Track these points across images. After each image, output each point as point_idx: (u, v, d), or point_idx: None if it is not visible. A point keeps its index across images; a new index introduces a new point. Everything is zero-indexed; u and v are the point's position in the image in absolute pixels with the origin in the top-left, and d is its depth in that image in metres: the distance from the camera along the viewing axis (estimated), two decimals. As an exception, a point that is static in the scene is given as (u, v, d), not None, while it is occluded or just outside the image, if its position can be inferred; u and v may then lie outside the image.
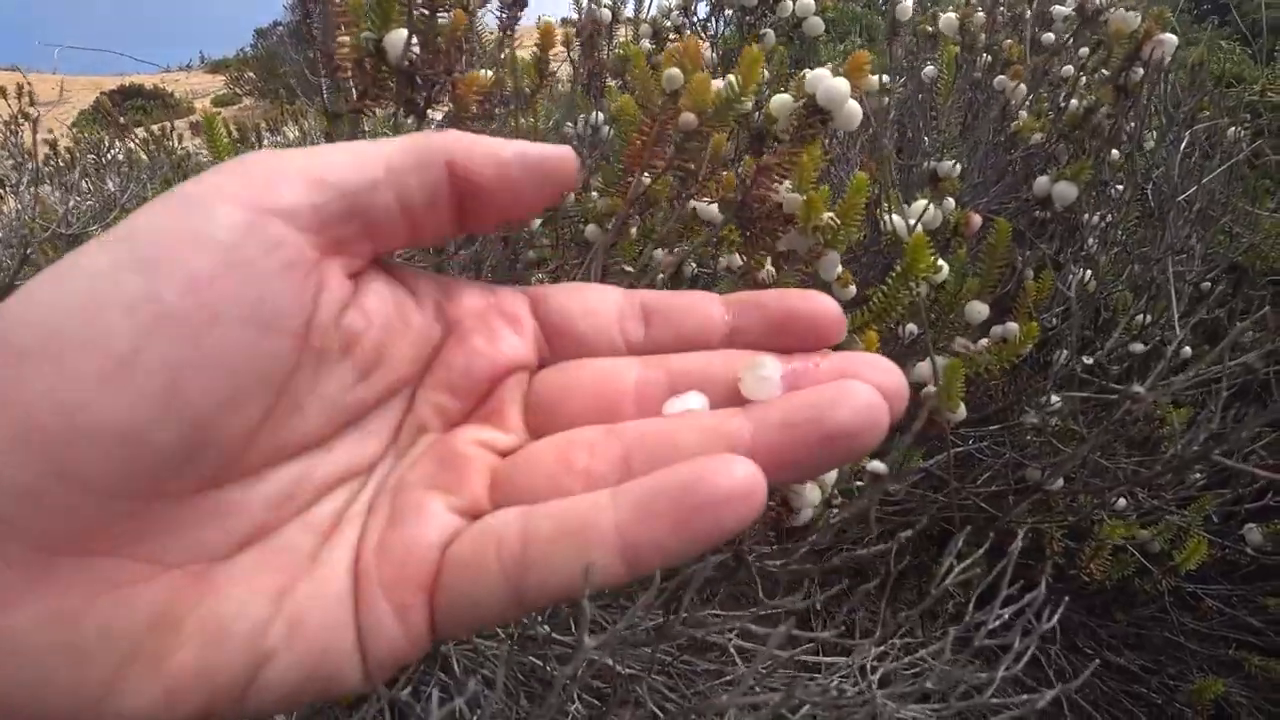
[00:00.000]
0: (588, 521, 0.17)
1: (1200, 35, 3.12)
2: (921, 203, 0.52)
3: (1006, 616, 0.37)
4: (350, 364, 0.19)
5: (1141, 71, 0.58)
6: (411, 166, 0.19)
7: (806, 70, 0.40)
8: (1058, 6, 0.97)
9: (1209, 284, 0.96)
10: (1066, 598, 0.48)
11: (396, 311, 0.20)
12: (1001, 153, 0.64)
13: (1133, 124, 0.62)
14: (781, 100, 0.41)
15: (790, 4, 0.64)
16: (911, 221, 0.52)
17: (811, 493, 0.37)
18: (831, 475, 0.39)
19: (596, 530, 0.16)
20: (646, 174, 0.47)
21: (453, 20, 0.45)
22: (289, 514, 0.18)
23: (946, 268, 0.51)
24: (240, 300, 0.16)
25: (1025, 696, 0.37)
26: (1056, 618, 0.37)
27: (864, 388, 0.17)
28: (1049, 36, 0.89)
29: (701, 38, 0.75)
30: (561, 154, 0.20)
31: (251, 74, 7.70)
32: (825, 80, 0.39)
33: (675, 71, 0.42)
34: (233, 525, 0.17)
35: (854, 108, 0.39)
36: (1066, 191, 0.58)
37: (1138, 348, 0.75)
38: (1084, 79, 0.63)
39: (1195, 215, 0.83)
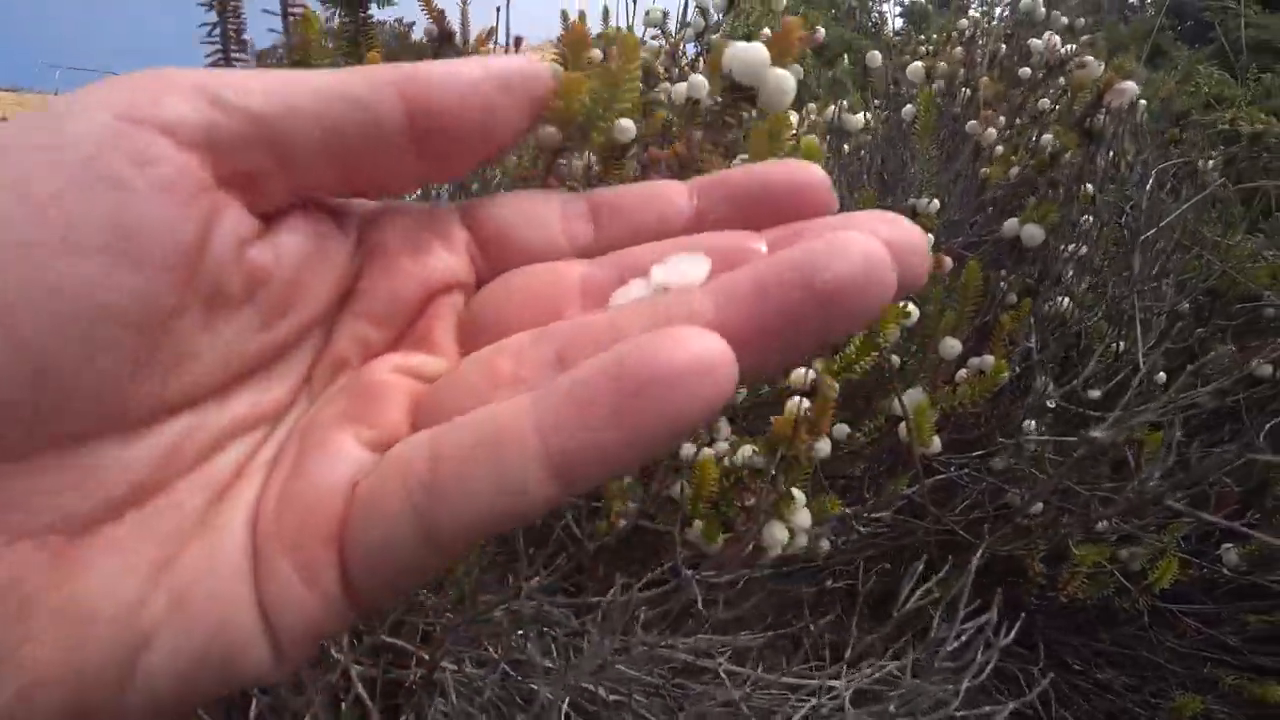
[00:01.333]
0: (504, 428, 0.13)
1: (1180, 54, 3.18)
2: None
3: (967, 635, 0.40)
4: (255, 307, 0.16)
5: (1105, 117, 0.61)
6: (348, 95, 0.16)
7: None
8: (1035, 40, 1.01)
9: (1187, 306, 0.99)
10: (1022, 615, 0.50)
11: (316, 245, 0.17)
12: (974, 194, 0.67)
13: (1101, 163, 0.65)
14: (695, 81, 0.36)
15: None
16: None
17: (779, 531, 0.39)
18: (805, 517, 0.41)
19: (515, 435, 0.13)
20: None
21: None
22: (175, 473, 0.15)
23: (916, 312, 0.54)
24: (96, 224, 0.13)
25: (987, 708, 0.40)
26: (1013, 634, 0.40)
27: (862, 237, 0.14)
28: (1025, 71, 0.93)
29: (682, 69, 0.79)
30: (533, 64, 0.18)
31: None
32: (739, 51, 0.32)
33: (553, 66, 0.36)
34: (99, 489, 0.14)
35: (781, 79, 0.32)
36: (1034, 233, 0.61)
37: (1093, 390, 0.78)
38: (1053, 119, 0.66)
39: (1170, 246, 0.87)
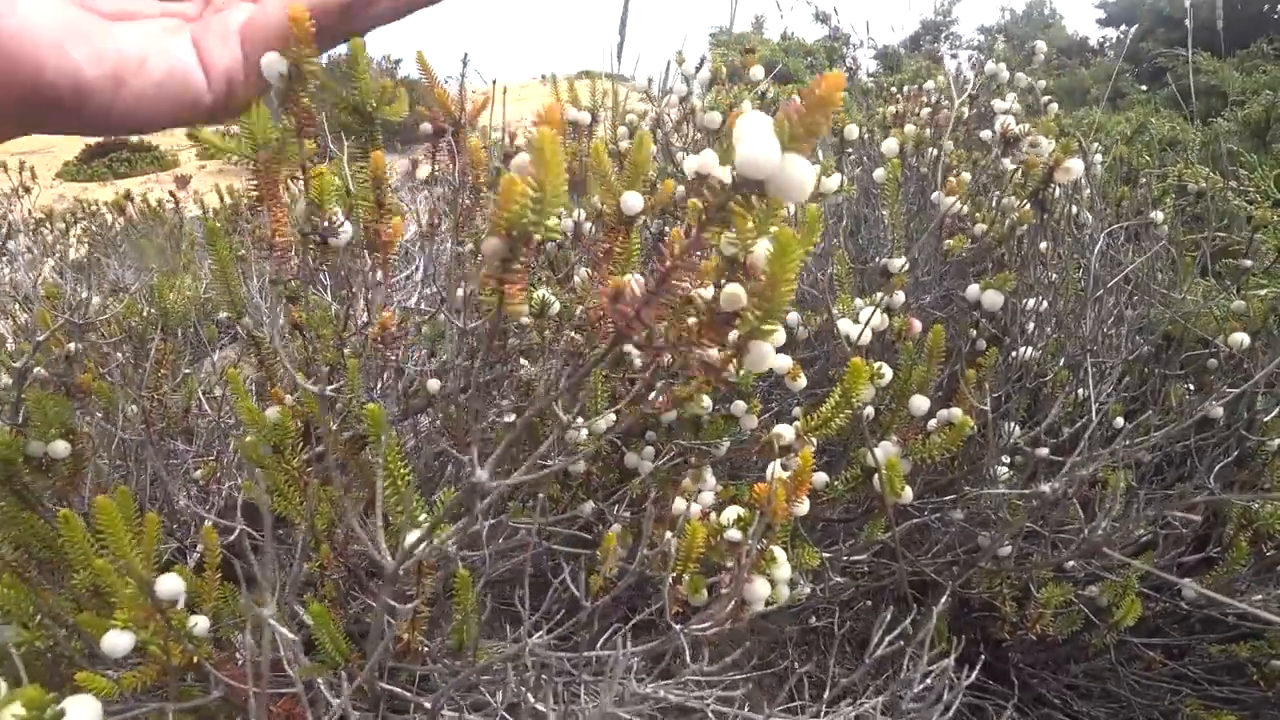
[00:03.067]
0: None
1: (1138, 95, 3.35)
2: (869, 310, 0.60)
3: (932, 677, 0.43)
4: None
5: (1056, 190, 0.67)
6: None
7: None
8: (998, 101, 1.08)
9: (1147, 349, 1.05)
10: (983, 656, 0.54)
11: None
12: (940, 256, 0.73)
13: (1050, 240, 0.71)
14: (707, 160, 0.34)
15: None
16: (859, 327, 0.60)
17: (762, 587, 0.43)
18: (785, 570, 0.45)
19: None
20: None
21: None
22: (150, 31, 0.33)
23: (890, 373, 0.59)
24: None
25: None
26: (975, 674, 0.43)
27: None
28: (987, 133, 0.99)
29: (674, 146, 0.84)
30: None
31: (237, 129, 7.81)
32: (744, 142, 0.25)
33: (520, 159, 0.36)
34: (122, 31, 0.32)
35: (796, 171, 0.25)
36: (994, 299, 0.66)
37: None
38: (1010, 188, 0.72)
39: (1123, 298, 0.93)
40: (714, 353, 0.29)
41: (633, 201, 0.37)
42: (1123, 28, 4.98)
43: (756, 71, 0.75)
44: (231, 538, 0.82)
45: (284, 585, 0.68)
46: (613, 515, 0.78)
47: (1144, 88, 3.46)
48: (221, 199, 2.15)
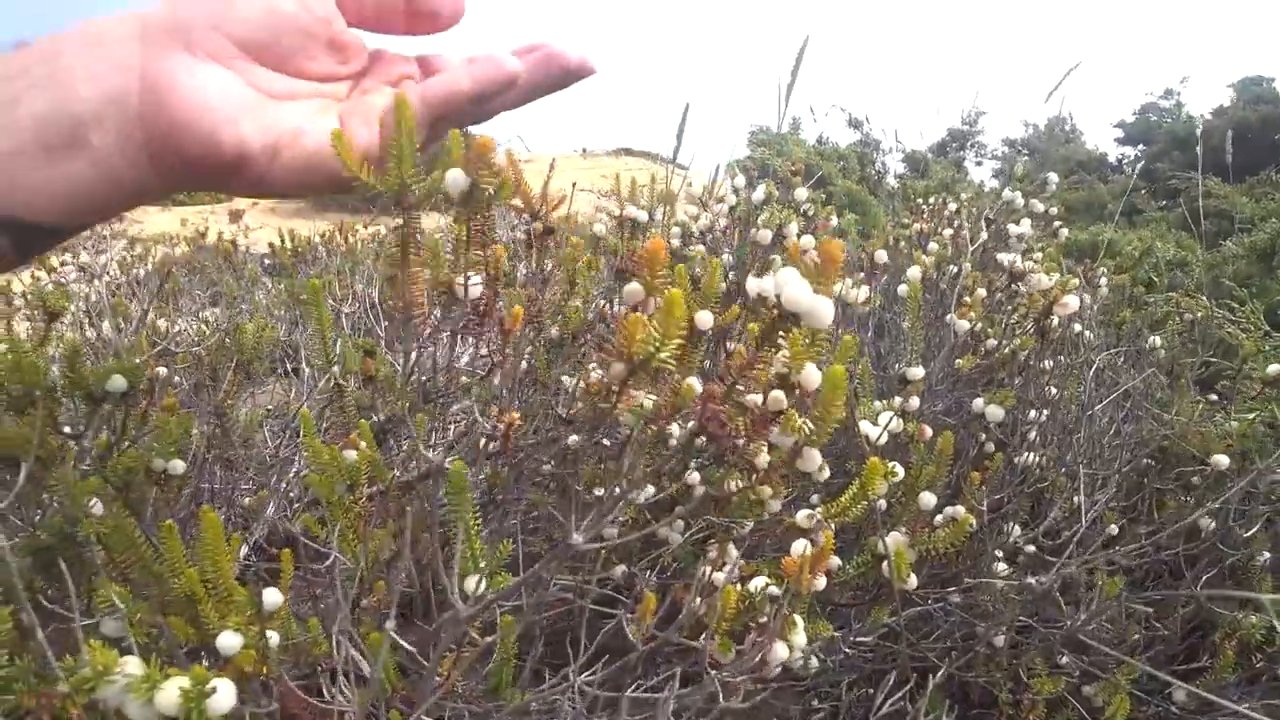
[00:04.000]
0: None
1: (1155, 215, 3.50)
2: (887, 413, 0.69)
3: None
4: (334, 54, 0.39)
5: (1056, 321, 0.77)
6: None
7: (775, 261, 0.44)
8: (1012, 227, 1.19)
9: (1145, 463, 1.12)
10: None
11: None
12: (952, 371, 0.82)
13: (1051, 362, 0.81)
14: (766, 284, 0.41)
15: (795, 239, 0.83)
16: (878, 430, 0.69)
17: (782, 649, 0.51)
18: (802, 638, 0.53)
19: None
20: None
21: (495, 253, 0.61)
22: (307, 109, 0.38)
23: (902, 471, 0.68)
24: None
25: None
26: None
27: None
28: (1003, 256, 1.10)
29: (716, 252, 0.95)
30: None
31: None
32: (790, 290, 0.37)
33: (634, 287, 0.47)
34: (286, 86, 0.37)
35: (822, 309, 0.38)
36: (995, 413, 0.75)
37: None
38: (1016, 316, 0.82)
39: (1120, 414, 1.01)
40: (770, 447, 0.39)
41: (705, 319, 0.47)
42: (1139, 147, 5.23)
43: (801, 193, 0.87)
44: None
45: (352, 611, 0.76)
46: (643, 579, 0.85)
47: (1161, 204, 3.61)
48: (282, 239, 2.31)
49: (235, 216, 5.77)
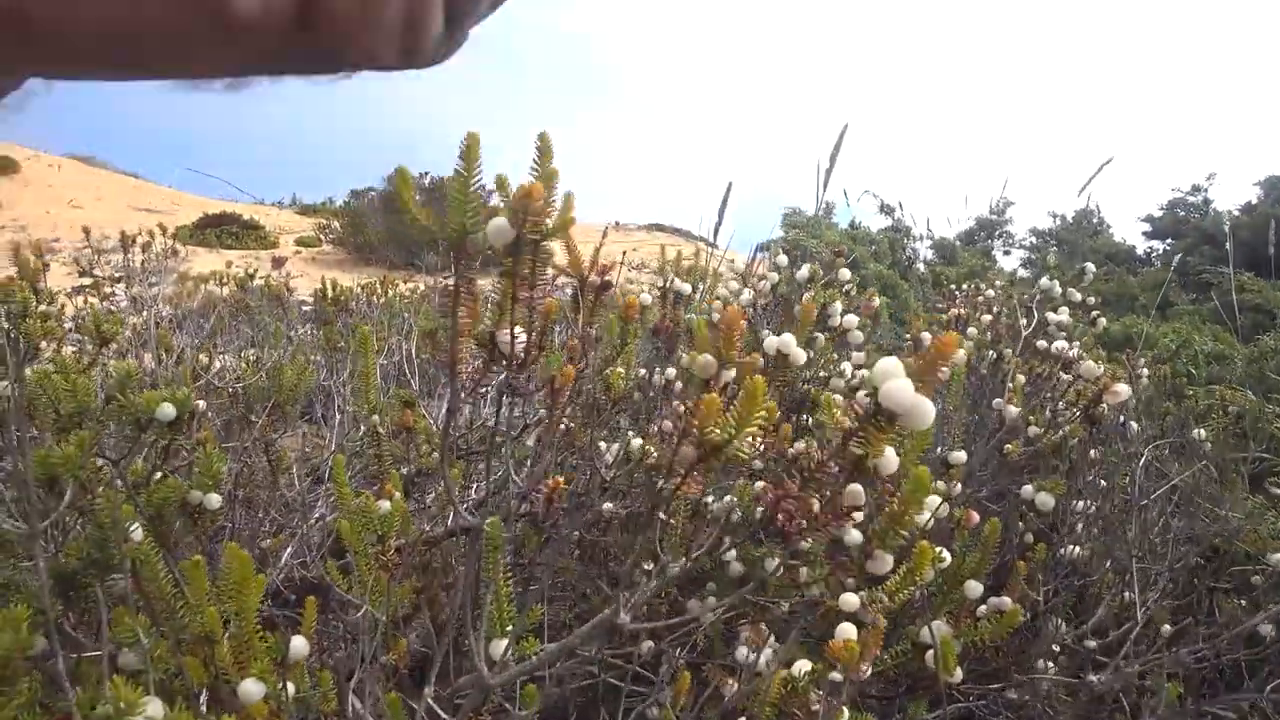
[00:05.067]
0: None
1: (1188, 308, 3.48)
2: (935, 499, 0.68)
3: None
4: None
5: (1105, 408, 0.75)
6: None
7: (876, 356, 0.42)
8: (1051, 314, 1.19)
9: (1195, 561, 1.08)
10: None
11: None
12: (998, 455, 0.81)
13: (1099, 449, 0.79)
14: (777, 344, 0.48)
15: (839, 318, 0.84)
16: (926, 515, 0.67)
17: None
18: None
19: None
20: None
21: (546, 307, 0.61)
22: None
23: (949, 556, 0.65)
24: None
25: None
26: None
27: None
28: (1043, 344, 1.10)
29: (762, 327, 0.96)
30: None
31: (338, 224, 8.68)
32: (892, 388, 0.34)
33: (707, 359, 0.45)
34: None
35: (924, 411, 0.35)
36: (1046, 500, 0.73)
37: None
38: (1064, 403, 0.81)
39: (1169, 508, 0.98)
40: (848, 537, 0.38)
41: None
42: (1168, 241, 5.25)
43: (844, 273, 0.89)
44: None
45: (370, 665, 0.74)
46: (670, 657, 0.82)
47: (1192, 297, 3.59)
48: (324, 288, 2.38)
49: (278, 263, 5.97)
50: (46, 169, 10.86)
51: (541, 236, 0.46)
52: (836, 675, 0.48)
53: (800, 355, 0.49)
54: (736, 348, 0.42)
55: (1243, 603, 1.03)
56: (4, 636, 0.46)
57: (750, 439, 0.36)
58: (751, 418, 0.35)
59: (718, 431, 0.35)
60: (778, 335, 1.03)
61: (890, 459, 0.43)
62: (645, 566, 0.68)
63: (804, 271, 0.85)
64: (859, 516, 0.40)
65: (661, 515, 0.64)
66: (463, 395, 0.48)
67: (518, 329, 0.45)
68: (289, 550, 1.32)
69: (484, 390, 0.65)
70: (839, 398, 0.63)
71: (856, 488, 0.41)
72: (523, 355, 0.48)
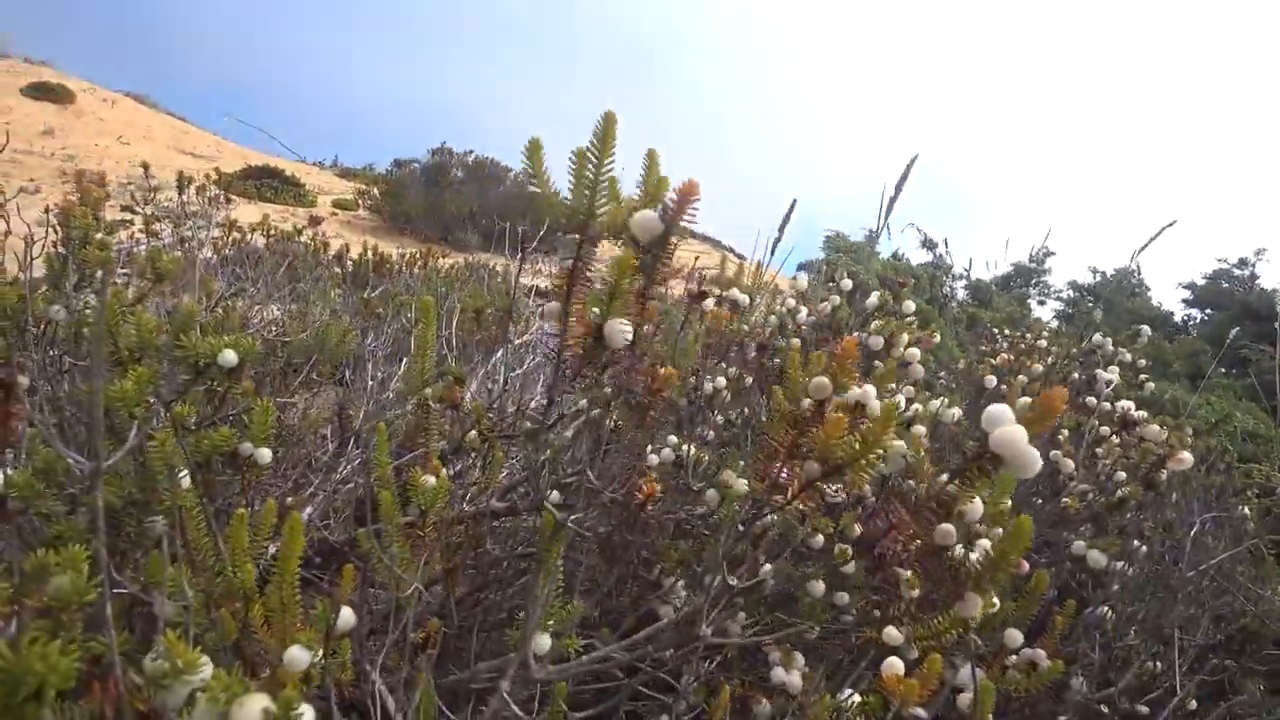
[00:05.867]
0: None
1: (1224, 382, 3.43)
2: (986, 542, 0.67)
3: None
4: None
5: (1166, 474, 0.74)
6: None
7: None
8: (1100, 372, 1.18)
9: (1221, 639, 1.06)
10: None
11: None
12: (1053, 510, 0.80)
13: (1156, 513, 0.78)
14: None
15: (901, 349, 0.83)
16: (976, 554, 0.67)
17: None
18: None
19: None
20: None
21: (648, 310, 0.61)
22: None
23: (998, 602, 0.65)
24: None
25: None
26: None
27: None
28: (1092, 400, 1.08)
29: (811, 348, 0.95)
30: None
31: (377, 191, 8.73)
32: (1002, 434, 0.34)
33: (823, 380, 0.46)
34: None
35: (1033, 459, 0.35)
36: (1097, 558, 0.72)
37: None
38: (1120, 465, 0.80)
39: (1208, 584, 0.96)
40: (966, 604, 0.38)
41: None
42: (1207, 311, 5.18)
43: (908, 305, 0.88)
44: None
45: (401, 647, 0.74)
46: (692, 667, 0.82)
47: (1231, 371, 3.54)
48: (365, 252, 2.40)
49: (314, 221, 6.02)
50: (100, 103, 11.02)
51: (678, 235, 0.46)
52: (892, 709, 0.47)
53: (877, 408, 0.48)
54: (853, 375, 0.42)
55: (1262, 688, 1.01)
56: (65, 579, 0.46)
57: (870, 462, 0.36)
58: (883, 439, 0.35)
59: (842, 451, 0.35)
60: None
61: (977, 506, 0.43)
62: (714, 578, 0.68)
63: (873, 299, 0.85)
64: (957, 552, 0.39)
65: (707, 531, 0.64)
66: (564, 382, 0.48)
67: (626, 322, 0.45)
68: (310, 510, 1.32)
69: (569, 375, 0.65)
70: (919, 429, 0.63)
71: (947, 528, 0.41)
72: (631, 348, 0.47)
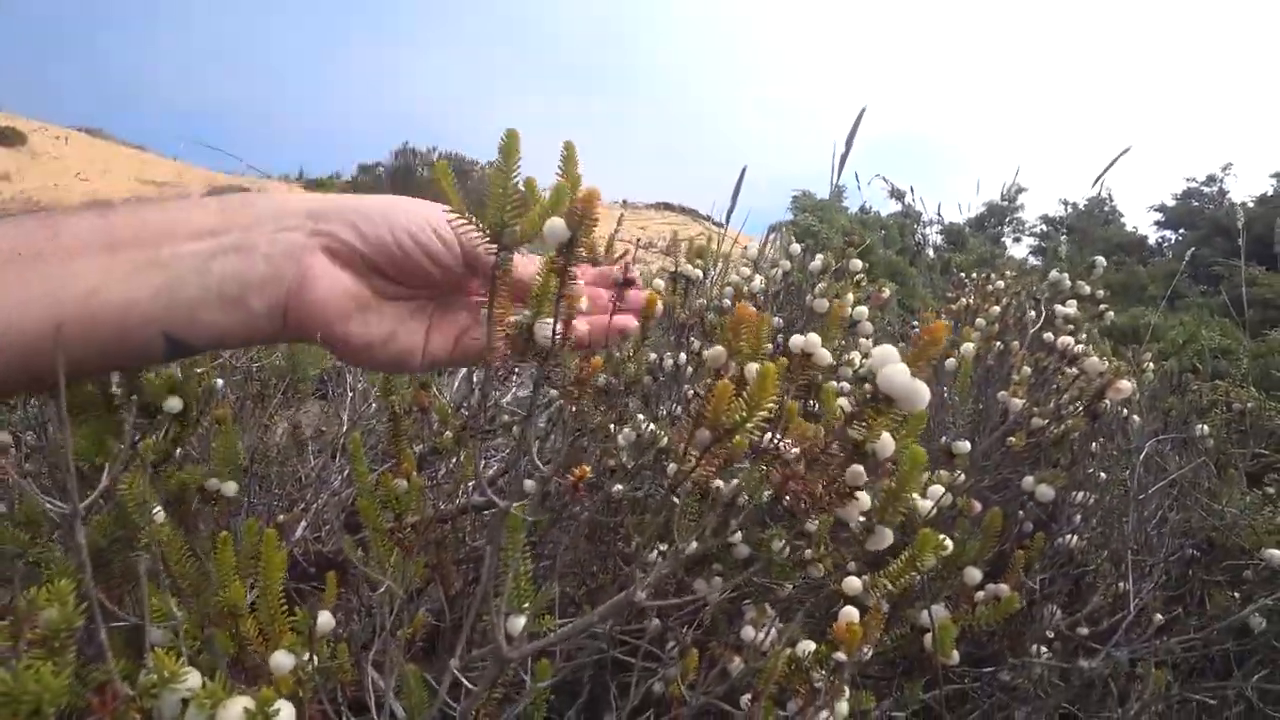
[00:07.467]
0: None
1: (1198, 300, 3.48)
2: (938, 488, 0.70)
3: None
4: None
5: (1108, 404, 0.77)
6: None
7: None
8: (1059, 307, 1.20)
9: (1189, 553, 1.10)
10: None
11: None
12: (1000, 447, 0.83)
13: (1101, 441, 0.81)
14: (801, 343, 0.50)
15: (849, 309, 0.85)
16: (928, 503, 0.69)
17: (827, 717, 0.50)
18: (844, 707, 0.53)
19: None
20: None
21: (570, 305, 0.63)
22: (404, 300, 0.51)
23: (951, 544, 0.67)
24: None
25: None
26: None
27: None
28: (1049, 336, 1.11)
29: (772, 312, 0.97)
30: None
31: (345, 200, 8.64)
32: (889, 373, 0.37)
33: (718, 350, 0.47)
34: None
35: (920, 393, 0.37)
36: (1045, 493, 0.75)
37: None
38: (1066, 397, 0.82)
39: (1167, 501, 1.00)
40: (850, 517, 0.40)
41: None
42: (1180, 231, 5.22)
43: (855, 264, 0.90)
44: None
45: (389, 637, 0.76)
46: (676, 634, 0.85)
47: (1202, 289, 3.58)
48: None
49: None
50: (54, 141, 10.85)
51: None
52: (840, 656, 0.50)
53: (826, 356, 0.51)
54: (756, 344, 0.44)
55: (1235, 595, 1.05)
56: (54, 612, 0.48)
57: (760, 423, 0.38)
58: (763, 403, 0.37)
59: (730, 415, 0.37)
60: (789, 323, 1.04)
61: (887, 442, 0.45)
62: (660, 548, 0.70)
63: (817, 263, 0.87)
64: (862, 495, 0.42)
65: (674, 499, 0.66)
66: (495, 381, 0.50)
67: (552, 321, 0.46)
68: (303, 525, 1.35)
69: (500, 374, 0.67)
70: (840, 384, 0.65)
71: (857, 469, 0.43)
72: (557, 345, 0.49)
